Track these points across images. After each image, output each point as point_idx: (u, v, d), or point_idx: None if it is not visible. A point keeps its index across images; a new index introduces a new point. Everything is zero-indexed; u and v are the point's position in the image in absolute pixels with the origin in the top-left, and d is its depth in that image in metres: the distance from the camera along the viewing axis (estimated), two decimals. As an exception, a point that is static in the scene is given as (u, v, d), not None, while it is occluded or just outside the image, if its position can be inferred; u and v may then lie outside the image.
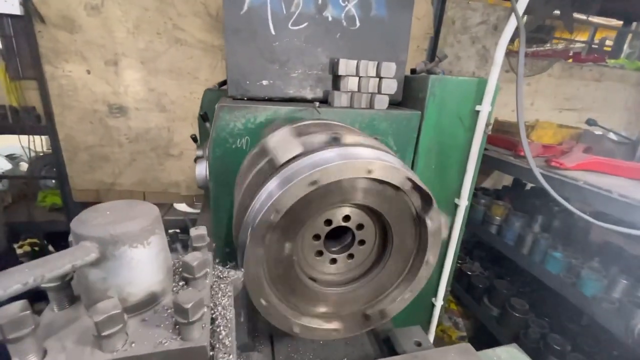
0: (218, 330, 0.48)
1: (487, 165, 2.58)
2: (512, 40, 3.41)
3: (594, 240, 2.26)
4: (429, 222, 0.81)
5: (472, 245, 3.13)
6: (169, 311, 0.46)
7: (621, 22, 4.99)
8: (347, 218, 0.81)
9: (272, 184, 0.74)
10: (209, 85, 2.65)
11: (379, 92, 1.32)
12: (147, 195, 2.90)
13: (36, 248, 3.46)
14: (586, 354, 2.02)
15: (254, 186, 0.79)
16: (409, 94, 1.46)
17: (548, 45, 4.57)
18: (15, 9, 2.22)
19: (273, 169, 0.77)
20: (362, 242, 0.84)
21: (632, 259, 2.00)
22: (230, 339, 0.46)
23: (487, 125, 1.45)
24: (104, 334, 0.38)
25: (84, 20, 2.35)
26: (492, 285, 2.54)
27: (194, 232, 0.57)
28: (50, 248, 3.48)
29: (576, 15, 4.18)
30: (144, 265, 0.45)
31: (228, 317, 0.49)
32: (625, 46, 6.01)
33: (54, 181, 3.18)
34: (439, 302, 1.77)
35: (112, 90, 2.54)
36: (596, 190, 1.69)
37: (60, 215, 2.93)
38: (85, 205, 2.28)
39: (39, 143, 3.28)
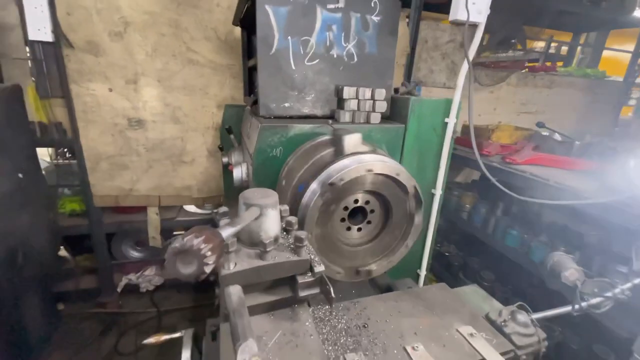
0: (309, 254, 0.87)
1: (458, 163, 3.06)
2: (478, 53, 3.94)
3: (542, 220, 2.79)
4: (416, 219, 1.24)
5: (448, 230, 3.63)
6: (285, 245, 0.86)
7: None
8: (356, 201, 1.24)
9: (314, 184, 1.15)
10: (218, 100, 3.02)
11: (373, 111, 1.75)
12: (162, 198, 3.21)
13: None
14: (540, 310, 2.54)
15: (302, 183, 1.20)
16: (395, 110, 1.90)
17: (511, 52, 5.18)
18: (48, 37, 2.51)
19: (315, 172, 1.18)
20: (372, 211, 1.27)
21: (570, 232, 2.54)
22: (317, 258, 0.86)
23: (453, 132, 1.92)
24: (268, 249, 0.77)
25: (108, 44, 2.66)
26: (466, 262, 3.04)
27: (283, 207, 0.97)
28: (63, 252, 3.70)
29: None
30: (275, 220, 0.84)
31: (312, 250, 0.89)
32: (578, 50, 6.79)
33: (67, 190, 3.43)
34: (422, 272, 2.22)
35: (132, 106, 2.86)
36: (537, 179, 2.20)
37: (80, 219, 3.18)
38: (105, 209, 2.62)
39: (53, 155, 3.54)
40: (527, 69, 4.43)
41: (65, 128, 2.81)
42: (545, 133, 3.07)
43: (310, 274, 0.83)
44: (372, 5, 1.69)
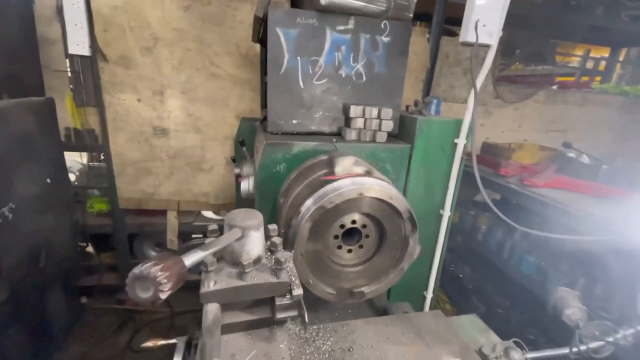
0: (289, 276, 0.89)
1: (475, 181, 2.96)
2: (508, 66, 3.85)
3: (564, 248, 2.63)
4: (411, 242, 1.23)
5: (464, 251, 3.51)
6: (267, 266, 0.89)
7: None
8: (354, 222, 1.24)
9: (309, 202, 1.17)
10: (237, 112, 3.14)
11: (380, 130, 1.75)
12: (181, 203, 3.36)
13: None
14: (557, 343, 2.39)
15: (296, 203, 1.23)
16: (404, 129, 1.89)
17: (540, 66, 4.96)
18: (85, 51, 2.73)
19: (310, 190, 1.21)
20: (367, 236, 1.27)
21: (594, 263, 2.38)
22: (297, 281, 0.88)
23: (463, 153, 1.87)
24: (246, 270, 0.81)
25: (139, 59, 2.85)
26: (480, 286, 2.92)
27: (272, 226, 1.00)
28: (89, 249, 3.93)
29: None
30: (257, 241, 0.87)
31: (294, 272, 0.92)
32: (618, 67, 6.40)
33: (96, 191, 3.65)
34: (429, 295, 2.16)
35: (157, 115, 3.03)
36: (555, 204, 2.10)
37: (106, 219, 3.38)
38: (129, 211, 2.77)
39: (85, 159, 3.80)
40: (557, 85, 4.25)
41: (97, 134, 3.02)
42: (571, 154, 2.92)
43: (289, 296, 0.86)
44: (382, 26, 1.71)
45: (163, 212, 3.42)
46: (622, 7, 4.01)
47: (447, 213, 1.98)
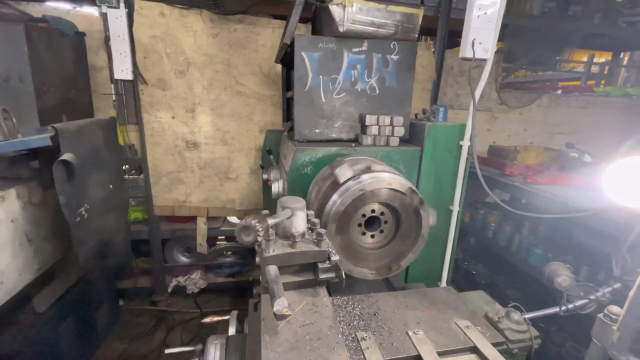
0: (328, 247, 1.14)
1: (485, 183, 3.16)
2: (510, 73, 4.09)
3: (571, 240, 2.79)
4: (422, 213, 1.47)
5: (476, 249, 3.68)
6: (309, 239, 1.14)
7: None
8: (374, 211, 1.49)
9: (335, 196, 1.43)
10: (261, 125, 3.45)
11: (392, 135, 2.01)
12: (210, 210, 3.65)
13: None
14: (566, 331, 2.53)
15: (324, 197, 1.48)
16: (414, 134, 2.15)
17: (547, 72, 5.15)
18: (128, 76, 3.09)
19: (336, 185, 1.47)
20: (385, 222, 1.51)
21: (598, 253, 2.53)
22: (334, 250, 1.13)
23: (468, 153, 2.11)
24: (297, 240, 1.06)
25: (173, 81, 3.20)
26: (492, 281, 3.08)
27: (309, 212, 1.25)
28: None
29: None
30: (302, 219, 1.12)
31: (331, 244, 1.16)
32: (622, 70, 6.54)
33: (132, 201, 3.99)
34: (443, 285, 2.36)
35: (189, 130, 3.36)
36: (552, 197, 2.29)
37: (141, 226, 3.69)
38: (161, 218, 3.07)
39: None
40: (560, 90, 4.45)
41: (136, 149, 3.37)
42: (573, 154, 3.10)
43: (328, 262, 1.10)
44: (392, 47, 1.99)
45: (192, 219, 3.71)
46: (619, 14, 4.22)
47: (456, 208, 2.20)
